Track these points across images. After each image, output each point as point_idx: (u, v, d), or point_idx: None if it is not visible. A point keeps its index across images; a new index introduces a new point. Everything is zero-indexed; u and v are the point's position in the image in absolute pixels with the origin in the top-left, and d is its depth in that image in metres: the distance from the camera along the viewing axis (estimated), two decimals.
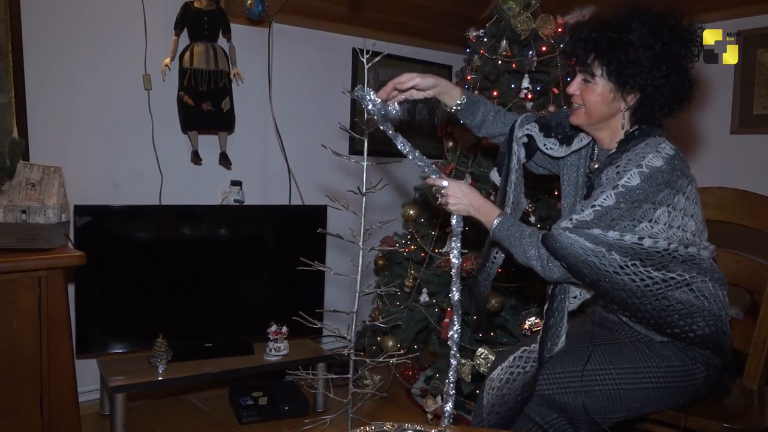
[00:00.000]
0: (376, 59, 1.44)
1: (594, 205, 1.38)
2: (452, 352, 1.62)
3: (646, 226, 1.36)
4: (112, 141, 2.54)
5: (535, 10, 2.44)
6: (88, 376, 2.50)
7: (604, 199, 1.37)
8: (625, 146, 1.45)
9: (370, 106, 1.45)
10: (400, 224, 2.81)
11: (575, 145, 1.63)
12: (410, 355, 1.89)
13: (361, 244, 1.44)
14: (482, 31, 2.50)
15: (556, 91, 2.44)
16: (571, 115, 1.57)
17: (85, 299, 2.31)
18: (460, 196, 1.55)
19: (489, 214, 1.54)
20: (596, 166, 1.58)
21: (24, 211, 1.88)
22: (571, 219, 1.40)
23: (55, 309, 1.86)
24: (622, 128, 1.50)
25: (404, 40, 3.31)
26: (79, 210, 2.25)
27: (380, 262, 2.82)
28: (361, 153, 1.47)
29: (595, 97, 1.47)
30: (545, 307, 1.58)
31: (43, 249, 1.88)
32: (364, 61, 1.40)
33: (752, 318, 2.26)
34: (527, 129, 1.67)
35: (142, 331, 2.40)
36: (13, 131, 2.19)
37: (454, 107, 1.69)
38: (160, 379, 2.28)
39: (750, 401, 1.62)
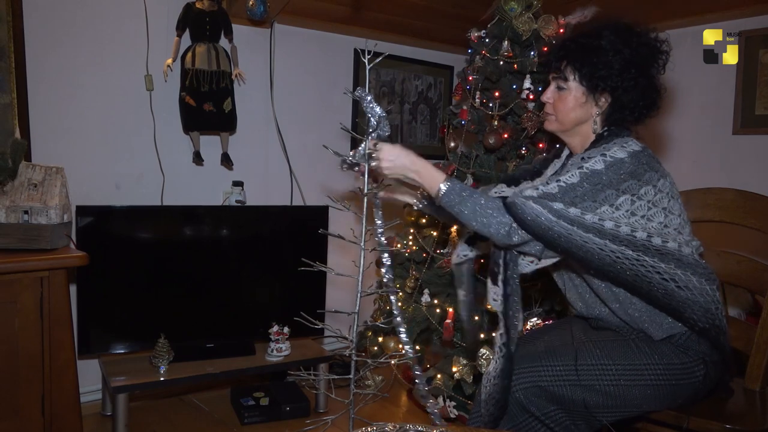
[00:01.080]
0: (378, 60, 1.44)
1: (559, 180, 1.41)
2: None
3: (607, 210, 1.38)
4: (114, 141, 2.54)
5: (536, 11, 2.44)
6: (89, 376, 2.50)
7: (569, 176, 1.41)
8: (595, 145, 1.51)
9: (369, 108, 1.44)
10: (402, 225, 2.82)
11: (550, 171, 1.71)
12: (412, 356, 1.88)
13: (362, 244, 1.44)
14: (484, 31, 2.50)
15: None
16: (544, 123, 1.63)
17: (87, 300, 2.32)
18: (393, 158, 1.47)
19: (433, 178, 1.48)
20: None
21: (26, 212, 1.88)
22: (537, 189, 1.42)
23: (57, 309, 1.86)
24: (593, 132, 1.56)
25: (406, 41, 3.32)
26: (81, 210, 2.26)
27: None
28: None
29: (569, 101, 1.53)
30: (500, 278, 1.56)
31: (45, 249, 1.88)
32: (366, 61, 1.40)
33: (754, 319, 2.26)
34: (496, 193, 1.67)
35: (144, 332, 2.41)
36: (15, 132, 2.20)
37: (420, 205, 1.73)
38: (161, 379, 2.29)
39: (752, 402, 1.62)
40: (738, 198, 1.83)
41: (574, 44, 1.52)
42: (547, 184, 1.42)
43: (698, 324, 1.42)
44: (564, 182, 1.40)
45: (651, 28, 1.53)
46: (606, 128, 1.54)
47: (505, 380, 1.52)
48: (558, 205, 1.38)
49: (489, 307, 1.63)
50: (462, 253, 1.75)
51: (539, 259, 1.51)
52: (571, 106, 1.53)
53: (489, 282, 1.58)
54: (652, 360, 1.45)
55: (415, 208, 1.75)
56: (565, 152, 1.72)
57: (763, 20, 2.66)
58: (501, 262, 1.54)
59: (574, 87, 1.52)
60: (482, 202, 1.43)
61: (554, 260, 1.52)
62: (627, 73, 1.46)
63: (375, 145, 1.46)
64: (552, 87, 1.58)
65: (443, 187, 1.46)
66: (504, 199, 1.44)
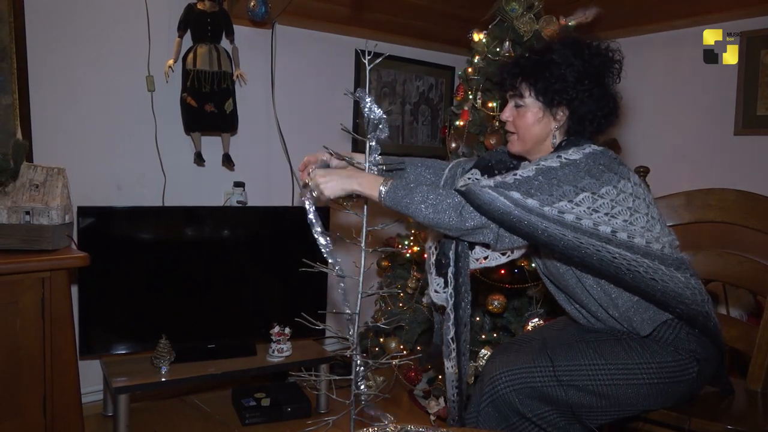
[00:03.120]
0: (378, 60, 1.44)
1: (515, 174, 1.41)
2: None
3: (566, 205, 1.37)
4: (116, 142, 2.54)
5: (537, 12, 2.44)
6: (91, 377, 2.50)
7: (524, 171, 1.41)
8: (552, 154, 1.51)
9: (369, 109, 1.44)
10: (403, 225, 2.82)
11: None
12: (413, 357, 1.88)
13: (363, 245, 1.44)
14: (485, 32, 2.50)
15: None
16: (508, 144, 1.63)
17: (89, 300, 2.32)
18: (326, 179, 1.47)
19: (371, 181, 1.46)
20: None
21: (28, 213, 1.89)
22: (494, 178, 1.42)
23: (58, 310, 1.87)
24: (553, 147, 1.55)
25: (406, 42, 3.32)
26: (83, 211, 2.26)
27: (383, 263, 2.83)
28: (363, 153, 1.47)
29: (527, 118, 1.53)
30: (451, 270, 1.56)
31: (46, 250, 1.88)
32: (366, 62, 1.40)
33: (755, 319, 2.26)
34: (469, 178, 1.68)
35: (145, 332, 2.41)
36: (17, 133, 2.20)
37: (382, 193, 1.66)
38: (163, 380, 2.29)
39: (754, 403, 1.61)
40: (739, 199, 1.82)
41: (527, 60, 1.52)
42: (504, 177, 1.42)
43: (677, 309, 1.42)
44: (520, 175, 1.40)
45: (601, 40, 1.53)
46: (564, 139, 1.54)
47: (462, 384, 1.57)
48: (515, 195, 1.38)
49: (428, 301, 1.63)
50: (437, 287, 1.67)
51: (491, 250, 1.52)
52: (530, 122, 1.53)
53: (433, 274, 1.57)
54: (644, 359, 1.45)
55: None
56: None
57: (764, 21, 2.66)
58: (451, 254, 1.54)
59: (530, 103, 1.52)
60: (428, 191, 1.43)
61: (505, 259, 1.54)
62: (581, 84, 1.46)
63: (309, 174, 1.50)
64: (510, 105, 1.58)
65: (383, 188, 1.44)
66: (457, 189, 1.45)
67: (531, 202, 1.37)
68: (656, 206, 1.51)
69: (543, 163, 1.42)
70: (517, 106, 1.56)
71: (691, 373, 1.46)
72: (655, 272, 1.41)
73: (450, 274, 1.56)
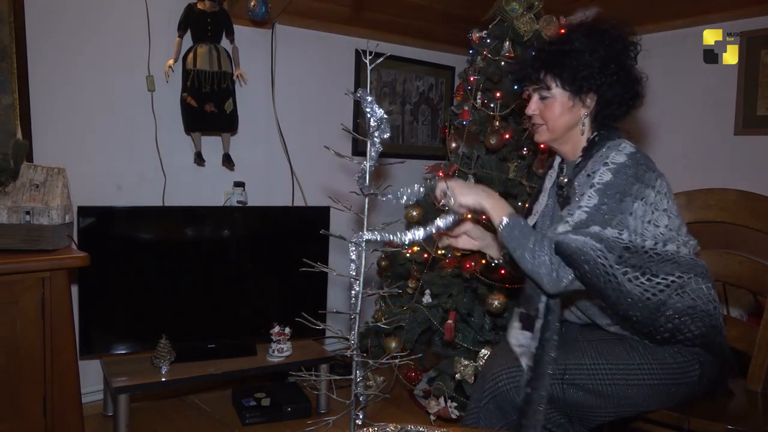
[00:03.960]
0: (379, 60, 1.44)
1: (581, 206, 1.39)
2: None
3: (631, 221, 1.39)
4: (116, 142, 2.54)
5: (538, 11, 2.44)
6: (91, 376, 2.50)
7: (587, 199, 1.39)
8: (590, 152, 1.50)
9: (370, 109, 1.44)
10: (403, 225, 2.81)
11: (548, 183, 1.72)
12: (413, 357, 1.88)
13: (363, 245, 1.44)
14: (485, 32, 2.50)
15: None
16: (535, 135, 1.63)
17: (89, 300, 2.32)
18: (466, 189, 1.48)
19: (501, 208, 1.46)
20: (566, 180, 1.62)
21: (28, 213, 1.89)
22: (566, 222, 1.39)
23: (58, 310, 1.87)
24: (582, 135, 1.56)
25: (407, 41, 3.32)
26: (83, 211, 2.26)
27: (383, 263, 2.82)
28: (364, 154, 1.47)
29: (556, 108, 1.53)
30: (539, 322, 1.50)
31: (46, 250, 1.88)
32: (367, 62, 1.40)
33: (756, 319, 2.26)
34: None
35: (146, 332, 2.41)
36: (17, 132, 2.20)
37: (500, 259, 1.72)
38: (163, 380, 2.29)
39: (754, 403, 1.61)
40: (740, 198, 1.82)
41: (548, 53, 1.52)
42: (571, 215, 1.39)
43: (695, 332, 1.42)
44: (586, 206, 1.38)
45: (617, 23, 1.53)
46: (596, 133, 1.54)
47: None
48: (595, 229, 1.35)
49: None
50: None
51: None
52: (559, 112, 1.53)
53: (517, 325, 1.51)
54: (646, 360, 1.45)
55: (494, 263, 1.75)
56: (556, 161, 1.73)
57: (764, 21, 2.66)
58: (542, 307, 1.47)
59: (558, 93, 1.52)
60: (531, 245, 1.38)
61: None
62: (607, 69, 1.47)
63: (447, 182, 1.49)
64: (535, 98, 1.57)
65: (505, 219, 1.42)
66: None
67: (610, 231, 1.36)
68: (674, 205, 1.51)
69: (597, 180, 1.40)
70: (542, 98, 1.55)
71: (693, 375, 1.45)
72: (687, 286, 1.42)
73: (537, 329, 1.48)
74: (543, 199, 1.73)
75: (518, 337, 1.50)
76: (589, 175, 1.43)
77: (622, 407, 1.46)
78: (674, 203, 1.49)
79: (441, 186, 1.51)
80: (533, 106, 1.58)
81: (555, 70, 1.51)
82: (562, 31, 1.62)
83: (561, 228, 1.39)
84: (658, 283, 1.40)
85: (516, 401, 1.48)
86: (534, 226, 1.71)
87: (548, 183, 1.73)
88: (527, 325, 1.50)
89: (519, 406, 1.48)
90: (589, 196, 1.39)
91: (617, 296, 1.36)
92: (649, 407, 1.48)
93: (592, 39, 1.48)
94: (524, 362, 1.48)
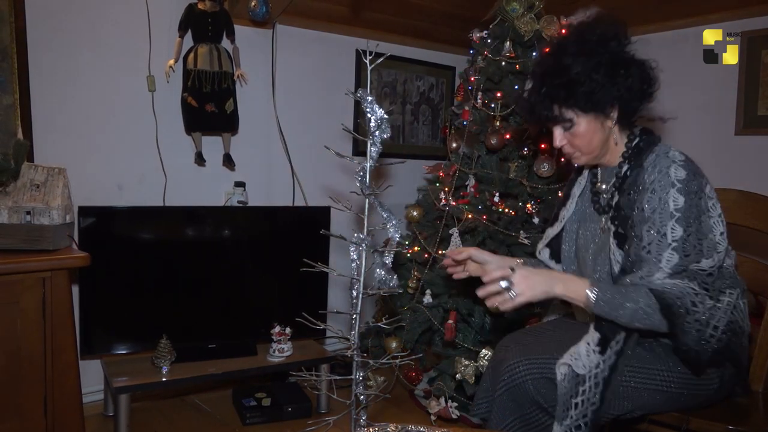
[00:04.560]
0: (379, 60, 1.44)
1: (670, 244, 1.35)
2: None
3: (718, 237, 1.38)
4: (116, 142, 2.54)
5: (538, 12, 2.44)
6: (91, 376, 2.50)
7: (672, 232, 1.36)
8: (639, 160, 1.47)
9: (370, 109, 1.44)
10: (404, 225, 2.81)
11: (577, 190, 1.70)
12: (413, 357, 1.88)
13: (363, 245, 1.44)
14: (486, 32, 2.50)
15: None
16: (573, 161, 1.59)
17: (89, 300, 2.32)
18: (529, 287, 1.38)
19: (577, 285, 1.39)
20: (603, 186, 1.59)
21: (28, 213, 1.89)
22: (660, 269, 1.35)
23: (59, 310, 1.87)
24: (616, 144, 1.53)
25: (407, 41, 3.32)
26: (84, 211, 2.26)
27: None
28: (364, 154, 1.47)
29: (585, 134, 1.48)
30: (616, 347, 1.45)
31: (47, 250, 1.88)
32: (367, 62, 1.40)
33: (756, 320, 2.25)
34: (541, 253, 1.75)
35: (146, 332, 2.41)
36: (18, 132, 2.20)
37: None
38: (163, 380, 2.29)
39: (754, 403, 1.61)
40: (741, 199, 1.82)
41: (552, 87, 1.45)
42: (660, 256, 1.35)
43: (734, 350, 1.43)
44: (673, 240, 1.35)
45: (599, 22, 1.48)
46: (638, 138, 1.50)
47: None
48: (693, 266, 1.35)
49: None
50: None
51: None
52: (590, 136, 1.48)
53: (585, 348, 1.45)
54: (666, 366, 1.44)
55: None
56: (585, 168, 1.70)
57: (765, 21, 2.65)
58: (623, 335, 1.44)
59: (581, 120, 1.47)
60: (630, 305, 1.34)
61: None
62: (617, 75, 1.42)
63: (509, 276, 1.39)
64: (558, 131, 1.51)
65: (592, 296, 1.37)
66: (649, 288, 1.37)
67: (706, 262, 1.35)
68: None
69: (671, 207, 1.36)
70: (565, 129, 1.50)
71: (712, 387, 1.45)
72: (738, 304, 1.43)
73: (613, 352, 1.44)
74: (571, 206, 1.70)
75: (584, 362, 1.43)
76: (660, 199, 1.37)
77: (635, 408, 1.46)
78: (720, 206, 1.45)
79: (498, 275, 1.41)
80: (558, 140, 1.52)
81: (569, 101, 1.45)
82: (548, 50, 1.54)
83: (656, 276, 1.35)
84: (720, 306, 1.38)
85: (532, 394, 1.48)
86: (561, 232, 1.70)
87: (577, 190, 1.70)
88: (603, 347, 1.44)
89: (535, 399, 1.48)
90: (673, 229, 1.35)
91: (698, 334, 1.35)
92: (661, 411, 1.48)
93: (587, 54, 1.42)
94: (588, 386, 1.43)
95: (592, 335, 1.45)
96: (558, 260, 1.72)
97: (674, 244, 1.35)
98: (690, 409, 1.48)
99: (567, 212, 1.70)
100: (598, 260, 1.57)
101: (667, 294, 1.32)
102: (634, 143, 1.50)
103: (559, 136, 1.52)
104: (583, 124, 1.47)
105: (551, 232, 1.75)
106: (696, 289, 1.33)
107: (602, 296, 1.36)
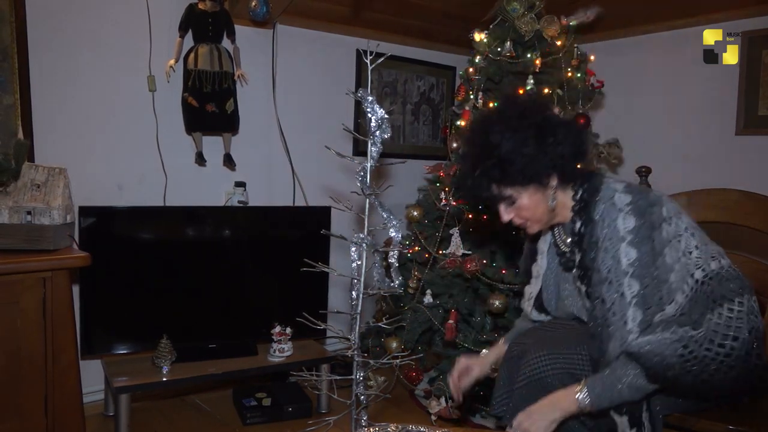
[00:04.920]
0: (380, 60, 1.45)
1: (630, 302, 1.35)
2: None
3: (673, 276, 1.35)
4: (117, 142, 2.54)
5: (539, 12, 2.44)
6: (92, 376, 2.50)
7: (629, 288, 1.35)
8: (588, 213, 1.45)
9: (371, 109, 1.44)
10: (404, 225, 2.81)
11: (544, 245, 1.69)
12: (414, 357, 1.88)
13: (364, 245, 1.44)
14: (486, 32, 2.50)
15: (560, 92, 2.44)
16: (527, 230, 1.58)
17: (90, 300, 2.32)
18: (530, 420, 1.41)
19: (568, 397, 1.40)
20: (563, 247, 1.58)
21: (29, 212, 1.89)
22: (630, 331, 1.34)
23: (59, 310, 1.87)
24: (564, 203, 1.51)
25: (408, 41, 3.32)
26: (84, 211, 2.26)
27: (383, 263, 2.82)
28: (365, 154, 1.48)
29: (528, 206, 1.48)
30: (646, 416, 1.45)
31: (47, 250, 1.88)
32: (368, 62, 1.40)
33: None
34: (532, 314, 1.73)
35: (146, 332, 2.41)
36: (18, 132, 2.20)
37: None
38: (164, 379, 2.29)
39: (757, 403, 1.61)
40: (742, 199, 1.82)
41: (486, 168, 1.44)
42: (626, 317, 1.34)
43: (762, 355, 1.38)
44: (632, 296, 1.34)
45: (513, 92, 1.48)
46: (580, 191, 1.48)
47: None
48: (658, 317, 1.34)
49: None
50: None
51: None
52: (534, 207, 1.48)
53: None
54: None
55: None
56: None
57: (765, 21, 2.65)
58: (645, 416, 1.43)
59: (522, 195, 1.47)
60: (625, 381, 1.34)
61: None
62: (546, 145, 1.41)
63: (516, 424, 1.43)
64: (502, 207, 1.52)
65: (582, 396, 1.37)
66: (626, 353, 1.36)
67: (669, 308, 1.33)
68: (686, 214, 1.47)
69: (624, 264, 1.35)
70: (509, 205, 1.50)
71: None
72: (753, 307, 1.35)
73: (646, 420, 1.43)
74: (542, 262, 1.69)
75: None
76: (613, 257, 1.37)
77: (654, 403, 1.45)
78: (686, 215, 1.44)
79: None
80: (505, 215, 1.52)
81: (505, 181, 1.44)
82: (474, 127, 1.51)
83: (630, 337, 1.34)
84: (730, 316, 1.30)
85: (554, 389, 1.47)
86: (540, 292, 1.69)
87: (544, 246, 1.69)
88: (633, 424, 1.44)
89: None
90: (629, 285, 1.35)
91: (706, 372, 1.30)
92: (678, 410, 1.48)
93: (513, 130, 1.41)
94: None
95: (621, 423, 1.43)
96: (547, 313, 1.72)
97: (634, 301, 1.35)
98: (707, 407, 1.47)
99: (540, 268, 1.70)
100: (583, 315, 1.57)
101: (644, 355, 1.31)
102: (579, 196, 1.49)
103: (504, 212, 1.52)
104: (524, 197, 1.47)
105: (531, 290, 1.73)
106: (674, 336, 1.29)
107: (593, 391, 1.36)
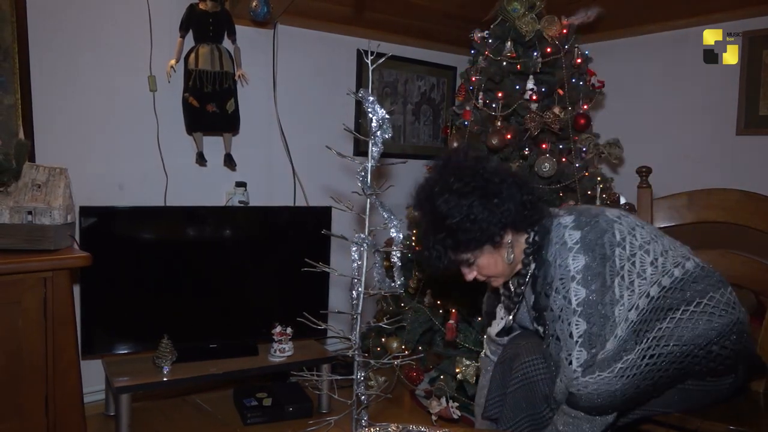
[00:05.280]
0: (381, 60, 1.45)
1: (576, 341, 1.38)
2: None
3: (619, 310, 1.37)
4: (118, 142, 2.54)
5: (539, 12, 2.44)
6: (93, 376, 2.50)
7: (575, 326, 1.38)
8: (540, 255, 1.46)
9: (371, 109, 1.44)
10: (405, 225, 2.81)
11: (502, 313, 1.70)
12: (414, 357, 1.88)
13: (365, 245, 1.44)
14: (487, 32, 2.50)
15: (561, 92, 2.43)
16: (492, 285, 1.60)
17: (91, 300, 2.32)
18: None
19: None
20: (520, 289, 1.58)
21: (30, 212, 1.89)
22: (574, 371, 1.38)
23: (60, 310, 1.87)
24: (518, 255, 1.52)
25: (409, 42, 3.32)
26: (85, 211, 2.26)
27: (384, 263, 2.82)
28: (366, 154, 1.47)
29: (487, 265, 1.49)
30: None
31: (48, 250, 1.88)
32: (369, 62, 1.40)
33: (758, 320, 2.25)
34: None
35: (147, 332, 2.41)
36: (19, 132, 2.20)
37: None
38: (164, 379, 2.29)
39: (757, 404, 1.61)
40: (742, 199, 1.82)
41: (438, 238, 1.45)
42: (570, 356, 1.38)
43: (737, 346, 1.42)
44: (578, 337, 1.37)
45: (459, 152, 1.49)
46: (531, 234, 1.49)
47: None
48: (601, 355, 1.36)
49: None
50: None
51: None
52: (494, 264, 1.49)
53: None
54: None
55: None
56: None
57: (766, 21, 2.65)
58: None
59: (478, 256, 1.48)
60: (561, 428, 1.42)
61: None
62: (492, 206, 1.41)
63: None
64: (463, 268, 1.53)
65: None
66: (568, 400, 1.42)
67: (611, 345, 1.36)
68: (644, 225, 1.48)
69: (573, 303, 1.37)
70: (469, 266, 1.51)
71: (728, 381, 1.46)
72: (719, 303, 1.39)
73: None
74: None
75: None
76: (564, 297, 1.39)
77: (651, 408, 1.47)
78: (642, 229, 1.46)
79: None
80: (470, 275, 1.53)
81: (459, 248, 1.45)
82: (422, 192, 1.51)
83: (573, 378, 1.38)
84: (694, 311, 1.37)
85: (546, 392, 1.48)
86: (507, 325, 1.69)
87: (501, 313, 1.71)
88: None
89: (548, 397, 1.50)
90: (577, 324, 1.38)
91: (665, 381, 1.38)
92: (676, 410, 1.49)
93: (458, 195, 1.41)
94: None
95: None
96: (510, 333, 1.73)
97: (580, 341, 1.37)
98: (706, 406, 1.48)
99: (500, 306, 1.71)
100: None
101: (584, 396, 1.37)
102: (531, 239, 1.50)
103: (466, 273, 1.53)
104: (482, 258, 1.48)
105: (496, 329, 1.72)
106: (611, 374, 1.35)
107: None
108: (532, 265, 1.50)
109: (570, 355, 1.39)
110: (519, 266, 1.53)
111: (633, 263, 1.40)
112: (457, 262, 1.51)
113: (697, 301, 1.39)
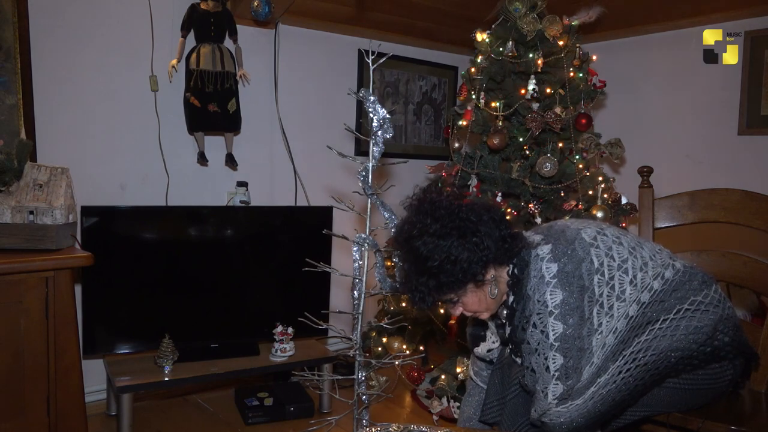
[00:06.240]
0: (382, 60, 1.45)
1: (553, 375, 1.38)
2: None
3: (597, 341, 1.38)
4: (119, 142, 2.55)
5: (541, 11, 2.44)
6: (94, 376, 2.51)
7: (553, 361, 1.37)
8: (520, 289, 1.45)
9: (372, 109, 1.44)
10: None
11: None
12: (416, 356, 1.88)
13: (366, 245, 1.44)
14: (488, 32, 2.50)
15: (562, 92, 2.43)
16: (481, 318, 1.59)
17: (92, 300, 2.32)
18: None
19: None
20: (501, 321, 1.59)
21: (31, 212, 1.89)
22: (549, 404, 1.38)
23: (62, 309, 1.87)
24: (502, 289, 1.51)
25: (410, 41, 3.32)
26: (86, 211, 2.26)
27: (386, 263, 2.83)
28: (367, 154, 1.48)
29: (473, 303, 1.48)
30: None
31: (50, 250, 1.88)
32: (370, 62, 1.40)
33: (760, 320, 2.25)
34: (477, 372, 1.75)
35: (149, 332, 2.41)
36: (21, 132, 2.21)
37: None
38: (166, 379, 2.29)
39: (758, 404, 1.61)
40: (744, 199, 1.82)
41: (418, 283, 1.42)
42: (546, 389, 1.39)
43: (727, 341, 1.43)
44: (555, 371, 1.37)
45: (423, 194, 1.48)
46: (512, 267, 1.48)
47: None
48: (577, 386, 1.37)
49: None
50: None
51: None
52: (478, 300, 1.48)
53: None
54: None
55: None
56: None
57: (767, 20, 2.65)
58: None
59: (462, 294, 1.46)
60: None
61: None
62: (471, 245, 1.39)
63: None
64: (451, 307, 1.52)
65: None
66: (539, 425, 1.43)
67: (588, 375, 1.37)
68: (621, 239, 1.48)
69: (551, 338, 1.37)
70: (454, 304, 1.50)
71: (726, 379, 1.46)
72: (701, 304, 1.40)
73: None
74: (491, 325, 1.70)
75: None
76: (542, 331, 1.38)
77: (653, 407, 1.47)
78: (619, 247, 1.45)
79: None
80: (456, 312, 1.53)
81: (442, 289, 1.42)
82: (395, 243, 1.49)
83: (548, 408, 1.39)
84: (674, 319, 1.39)
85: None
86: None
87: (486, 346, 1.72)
88: None
89: None
90: (554, 358, 1.37)
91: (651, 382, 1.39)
92: (678, 410, 1.49)
93: (437, 237, 1.39)
94: None
95: None
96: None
97: (557, 374, 1.37)
98: (706, 404, 1.48)
99: (491, 330, 1.71)
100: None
101: (557, 426, 1.38)
102: (511, 272, 1.49)
103: (455, 310, 1.53)
104: (466, 296, 1.47)
105: (485, 347, 1.72)
106: (581, 400, 1.36)
107: None
108: (511, 298, 1.49)
109: (546, 388, 1.39)
110: (504, 296, 1.52)
111: (612, 287, 1.40)
112: (442, 302, 1.51)
113: (677, 308, 1.40)
